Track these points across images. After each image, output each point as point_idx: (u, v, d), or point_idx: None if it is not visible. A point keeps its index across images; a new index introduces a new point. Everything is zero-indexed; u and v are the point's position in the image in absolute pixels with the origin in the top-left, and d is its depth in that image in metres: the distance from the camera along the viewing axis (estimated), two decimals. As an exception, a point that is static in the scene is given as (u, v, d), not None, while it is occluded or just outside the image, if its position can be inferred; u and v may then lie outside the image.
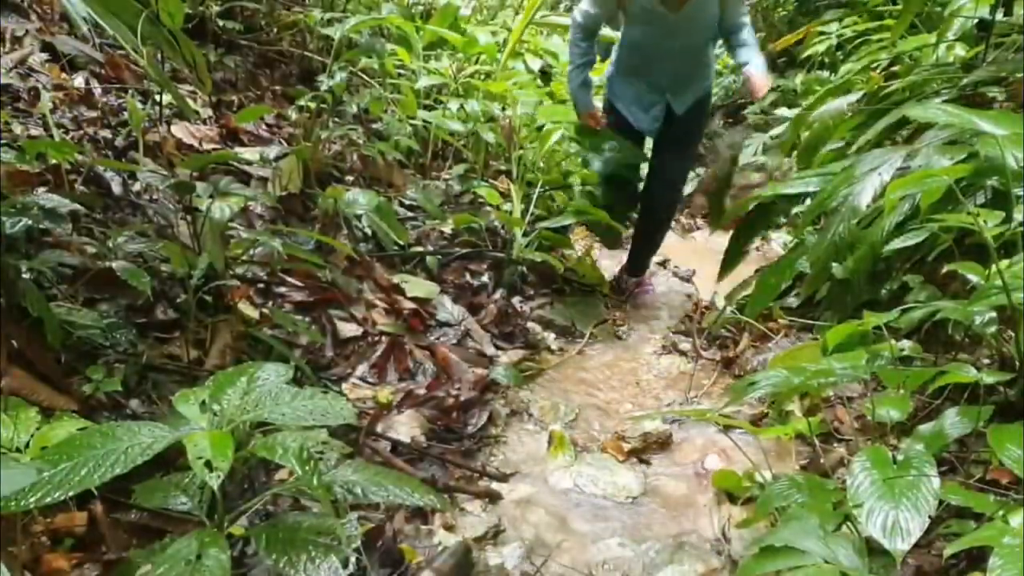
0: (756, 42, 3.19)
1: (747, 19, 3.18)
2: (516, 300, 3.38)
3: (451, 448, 2.33)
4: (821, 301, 3.02)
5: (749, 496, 2.15)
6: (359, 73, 4.18)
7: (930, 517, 1.26)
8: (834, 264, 2.58)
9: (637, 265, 3.94)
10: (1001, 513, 1.25)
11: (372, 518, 1.89)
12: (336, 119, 3.83)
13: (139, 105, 2.83)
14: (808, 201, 2.92)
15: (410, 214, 3.75)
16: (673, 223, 4.47)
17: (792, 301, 3.14)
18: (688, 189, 4.92)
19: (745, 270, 3.51)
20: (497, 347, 3.02)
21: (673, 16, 3.02)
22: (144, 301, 2.20)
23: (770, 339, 3.03)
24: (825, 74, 5.64)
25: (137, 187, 2.65)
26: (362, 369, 2.61)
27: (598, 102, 3.74)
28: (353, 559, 1.62)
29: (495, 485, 2.21)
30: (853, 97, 3.36)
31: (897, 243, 2.39)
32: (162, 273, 2.26)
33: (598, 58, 3.65)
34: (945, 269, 2.00)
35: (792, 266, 2.82)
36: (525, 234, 3.58)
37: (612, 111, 3.60)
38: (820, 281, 2.70)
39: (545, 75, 5.25)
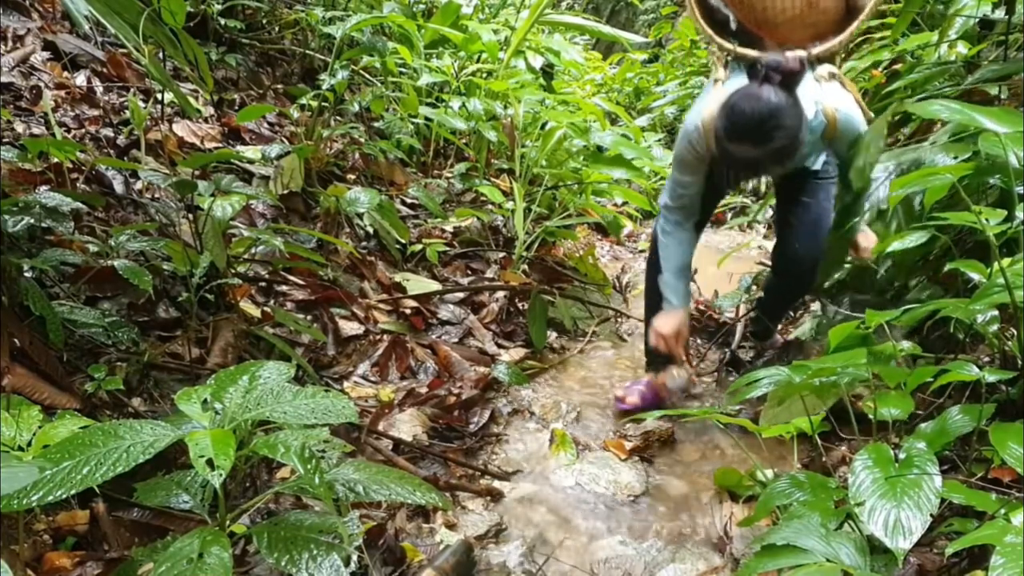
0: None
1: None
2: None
3: (453, 446, 2.33)
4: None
5: (751, 494, 2.15)
6: (361, 71, 4.18)
7: (932, 515, 1.25)
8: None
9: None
10: (1003, 511, 1.25)
11: (374, 516, 1.89)
12: (338, 117, 3.84)
13: (141, 104, 2.83)
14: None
15: (412, 212, 3.76)
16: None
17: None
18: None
19: (744, 268, 3.51)
20: (499, 345, 3.02)
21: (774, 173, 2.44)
22: (146, 300, 2.20)
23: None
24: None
25: (139, 186, 2.65)
26: (364, 368, 2.62)
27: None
28: (355, 557, 1.62)
29: (497, 483, 2.21)
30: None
31: (897, 245, 2.39)
32: (164, 272, 2.27)
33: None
34: (947, 267, 2.00)
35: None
36: (527, 232, 3.58)
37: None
38: (826, 275, 2.70)
39: (547, 74, 5.25)
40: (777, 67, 1.99)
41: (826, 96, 2.23)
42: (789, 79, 2.00)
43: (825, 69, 2.27)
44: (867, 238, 2.33)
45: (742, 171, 2.22)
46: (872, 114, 2.26)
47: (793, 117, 2.01)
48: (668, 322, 2.51)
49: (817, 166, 2.46)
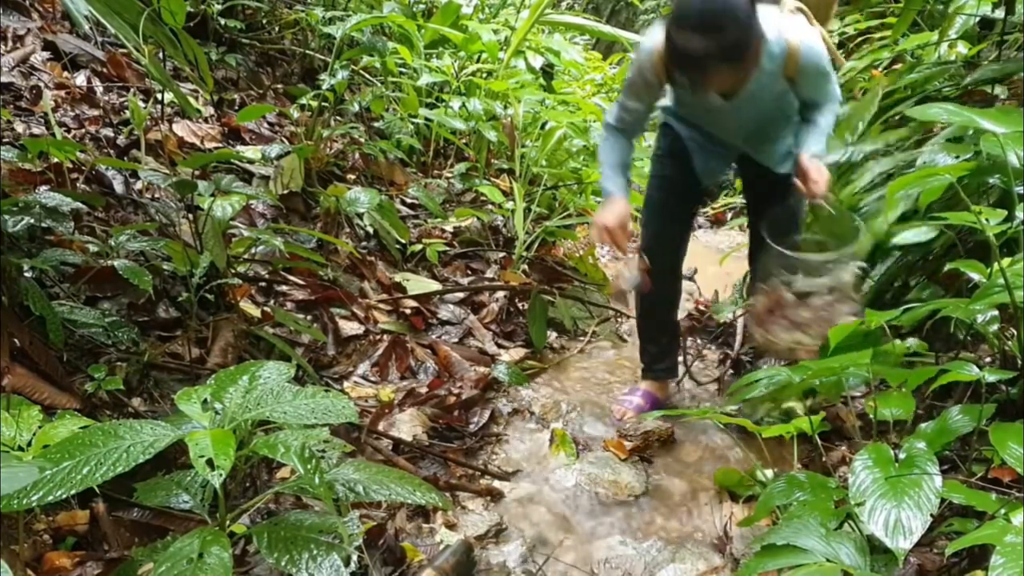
0: (829, 124, 2.29)
1: (829, 96, 2.26)
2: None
3: (453, 446, 2.33)
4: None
5: (751, 494, 2.16)
6: (361, 71, 4.18)
7: (932, 515, 1.25)
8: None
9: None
10: (1003, 511, 1.25)
11: (374, 516, 1.89)
12: (338, 117, 3.84)
13: (141, 104, 2.83)
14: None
15: (412, 212, 3.76)
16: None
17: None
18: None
19: (744, 267, 3.50)
20: (499, 345, 3.02)
21: (731, 105, 2.22)
22: (146, 300, 2.20)
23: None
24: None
25: (139, 186, 2.65)
26: (364, 368, 2.62)
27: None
28: (355, 557, 1.62)
29: (497, 483, 2.21)
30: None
31: (899, 240, 2.39)
32: (164, 271, 2.27)
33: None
34: (947, 267, 2.00)
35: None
36: (527, 232, 3.58)
37: (669, 136, 2.53)
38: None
39: (547, 74, 5.25)
40: None
41: (790, 27, 2.11)
42: None
43: (792, 3, 2.17)
44: (819, 171, 2.18)
45: (690, 71, 2.00)
46: (843, 59, 2.25)
47: (745, 12, 1.90)
48: (609, 212, 2.31)
49: (784, 169, 2.36)
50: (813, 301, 2.27)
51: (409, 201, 3.80)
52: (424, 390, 2.54)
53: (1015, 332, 1.78)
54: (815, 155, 2.22)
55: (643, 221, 2.62)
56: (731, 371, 3.03)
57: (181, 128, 3.13)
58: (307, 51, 4.28)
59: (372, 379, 2.59)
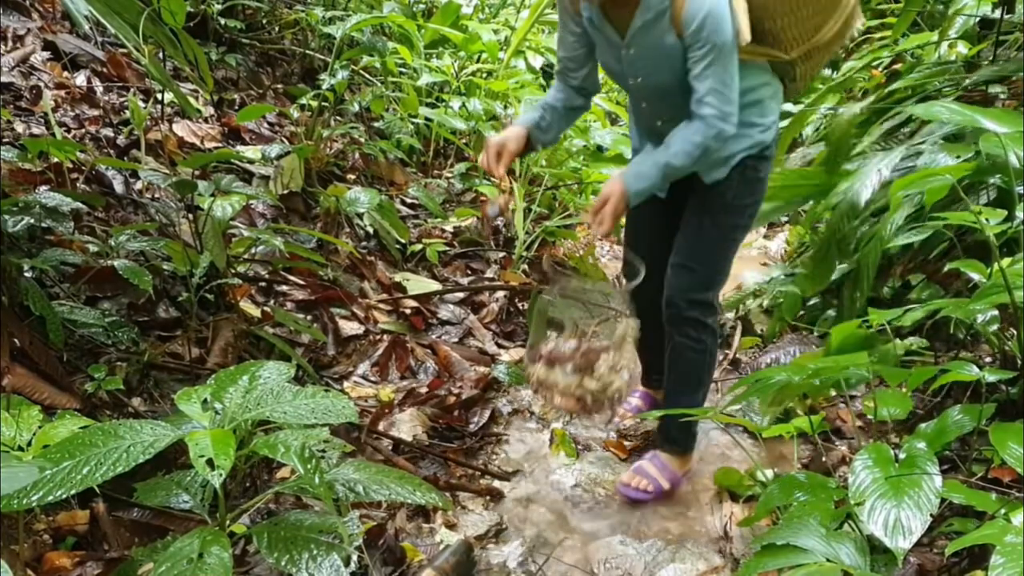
0: (684, 147, 1.87)
1: (708, 89, 1.82)
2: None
3: (453, 446, 2.33)
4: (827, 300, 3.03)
5: (751, 494, 2.15)
6: (361, 71, 4.18)
7: (932, 515, 1.25)
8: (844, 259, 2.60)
9: (661, 430, 2.35)
10: (1003, 511, 1.25)
11: (374, 516, 1.89)
12: (338, 117, 3.84)
13: (141, 104, 2.83)
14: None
15: (412, 212, 3.76)
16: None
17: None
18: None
19: (744, 267, 3.51)
20: (499, 345, 3.02)
21: (625, 46, 1.91)
22: (146, 300, 2.21)
23: (775, 339, 3.04)
24: (827, 71, 5.63)
25: (139, 185, 2.65)
26: (364, 367, 2.62)
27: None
28: (355, 557, 1.62)
29: (497, 483, 2.21)
30: (866, 101, 3.29)
31: (901, 240, 2.39)
32: (164, 271, 2.27)
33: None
34: (947, 267, 2.00)
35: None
36: (527, 232, 3.58)
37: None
38: (821, 277, 2.71)
39: (547, 74, 5.25)
40: None
41: None
42: None
43: None
44: (612, 208, 1.91)
45: None
46: (746, 34, 1.78)
47: None
48: (497, 136, 2.09)
49: (712, 178, 2.00)
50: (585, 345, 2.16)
51: (409, 201, 3.80)
52: (424, 390, 2.54)
53: (1015, 332, 1.78)
54: (630, 183, 1.91)
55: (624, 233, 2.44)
56: (730, 370, 3.03)
57: (181, 128, 3.13)
58: (307, 51, 4.28)
59: (372, 379, 2.59)
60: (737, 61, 1.83)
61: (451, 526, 1.98)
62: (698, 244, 2.08)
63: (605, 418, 2.23)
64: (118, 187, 2.58)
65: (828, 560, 1.28)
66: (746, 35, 1.77)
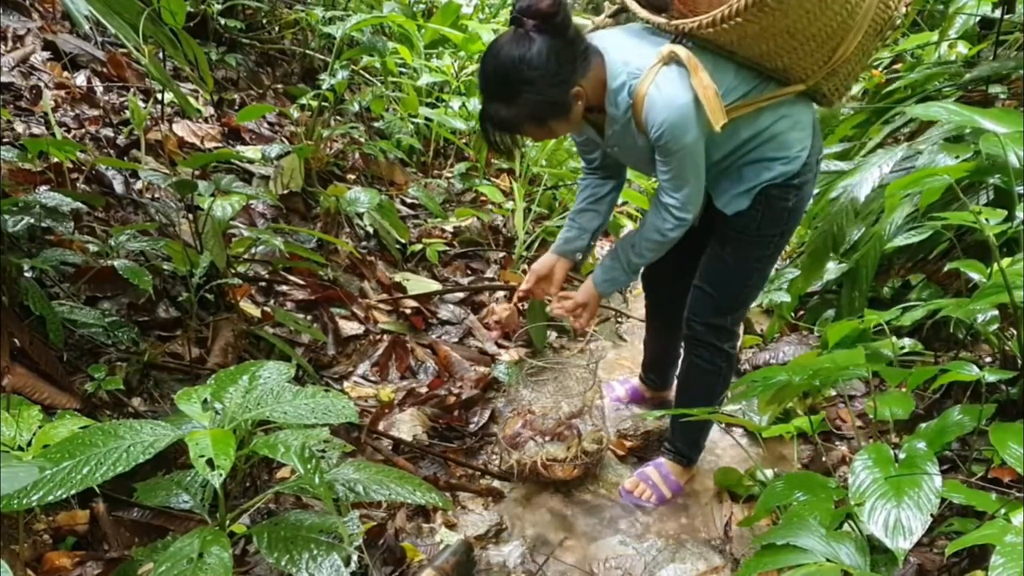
0: (644, 245, 1.93)
1: (668, 185, 1.82)
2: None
3: (453, 446, 2.33)
4: (825, 298, 3.03)
5: (751, 494, 2.16)
6: (361, 71, 4.18)
7: (932, 515, 1.25)
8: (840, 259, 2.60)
9: (668, 440, 2.33)
10: (1003, 511, 1.25)
11: (374, 516, 1.89)
12: (338, 117, 3.84)
13: (141, 103, 2.83)
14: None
15: (412, 212, 3.76)
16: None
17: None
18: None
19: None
20: (499, 345, 3.02)
21: (608, 146, 1.95)
22: (146, 300, 2.21)
23: (774, 338, 3.04)
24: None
25: (139, 185, 2.65)
26: (364, 367, 2.62)
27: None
28: (355, 557, 1.62)
29: (497, 483, 2.21)
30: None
31: (900, 240, 2.39)
32: (164, 271, 2.27)
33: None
34: (947, 267, 2.00)
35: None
36: (527, 232, 3.58)
37: None
38: (816, 272, 2.72)
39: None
40: (527, 9, 1.65)
41: (650, 74, 1.71)
42: (544, 22, 1.65)
43: (678, 50, 1.69)
44: (586, 307, 2.06)
45: (496, 131, 1.80)
46: (719, 120, 1.67)
47: (542, 69, 1.66)
48: (536, 263, 2.19)
49: (733, 209, 1.94)
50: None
51: (409, 201, 3.80)
52: (424, 390, 2.54)
53: (1015, 332, 1.78)
54: (603, 289, 2.04)
55: None
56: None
57: (181, 128, 3.13)
58: (307, 51, 4.28)
59: (372, 379, 2.59)
60: (701, 151, 1.78)
61: (451, 526, 1.98)
62: (718, 272, 2.05)
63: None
64: (118, 187, 2.58)
65: (828, 560, 1.28)
66: (720, 120, 1.67)
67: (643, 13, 1.81)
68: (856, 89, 3.79)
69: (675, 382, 2.51)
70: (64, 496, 1.09)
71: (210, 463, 1.10)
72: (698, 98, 1.67)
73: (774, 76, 1.80)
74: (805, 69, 1.76)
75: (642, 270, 2.32)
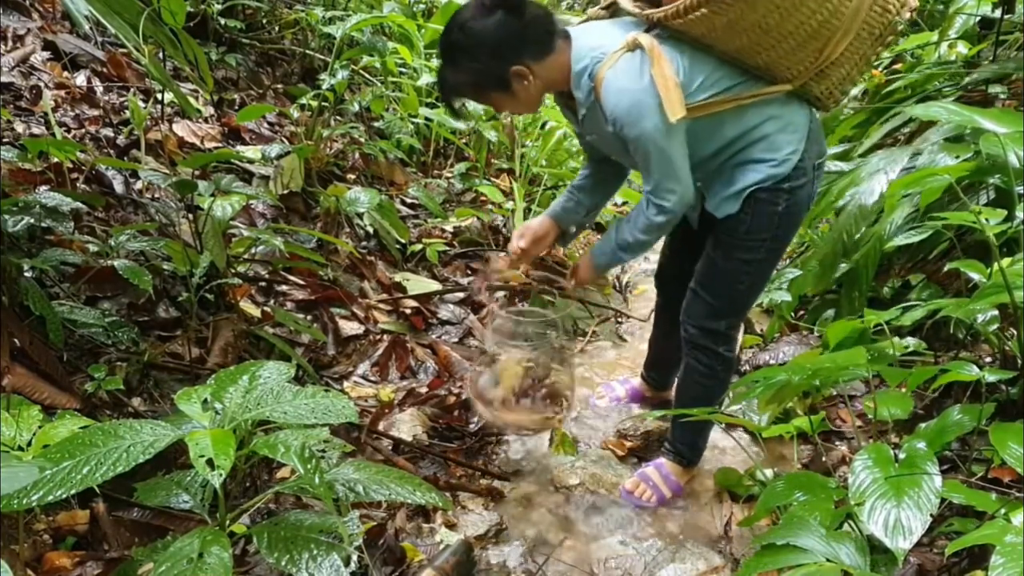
0: (635, 227, 1.92)
1: (646, 172, 1.84)
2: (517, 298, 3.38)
3: (453, 446, 2.33)
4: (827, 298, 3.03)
5: (751, 494, 2.16)
6: (361, 71, 4.18)
7: (932, 515, 1.25)
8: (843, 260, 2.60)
9: (669, 441, 2.32)
10: (1003, 511, 1.25)
11: (374, 516, 1.89)
12: (338, 117, 3.84)
13: (141, 103, 2.83)
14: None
15: (412, 212, 3.76)
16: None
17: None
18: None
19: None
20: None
21: (586, 132, 1.97)
22: (146, 300, 2.21)
23: (774, 338, 3.03)
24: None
25: (139, 185, 2.65)
26: (364, 367, 2.62)
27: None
28: (355, 557, 1.62)
29: (497, 483, 2.21)
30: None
31: (900, 240, 2.39)
32: (164, 271, 2.27)
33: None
34: (947, 267, 2.00)
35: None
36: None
37: None
38: (829, 278, 2.71)
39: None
40: None
41: (611, 59, 1.73)
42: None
43: (641, 38, 1.71)
44: (584, 270, 2.09)
45: (444, 92, 1.95)
46: (677, 111, 1.67)
47: (479, 39, 1.74)
48: (524, 227, 2.21)
49: (722, 212, 1.92)
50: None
51: (409, 201, 3.80)
52: (424, 390, 2.54)
53: (1015, 332, 1.78)
54: (597, 260, 2.06)
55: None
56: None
57: (181, 128, 3.13)
58: (307, 51, 4.28)
59: (372, 379, 2.59)
60: (678, 134, 1.76)
61: (451, 526, 1.98)
62: (710, 276, 2.04)
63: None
64: (118, 187, 2.58)
65: (828, 560, 1.28)
66: (677, 112, 1.66)
67: (626, 4, 1.84)
68: (856, 89, 3.79)
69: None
70: (64, 496, 1.09)
71: (210, 463, 1.10)
72: (656, 87, 1.68)
73: (758, 74, 1.79)
74: (789, 69, 1.75)
75: (655, 270, 2.40)
